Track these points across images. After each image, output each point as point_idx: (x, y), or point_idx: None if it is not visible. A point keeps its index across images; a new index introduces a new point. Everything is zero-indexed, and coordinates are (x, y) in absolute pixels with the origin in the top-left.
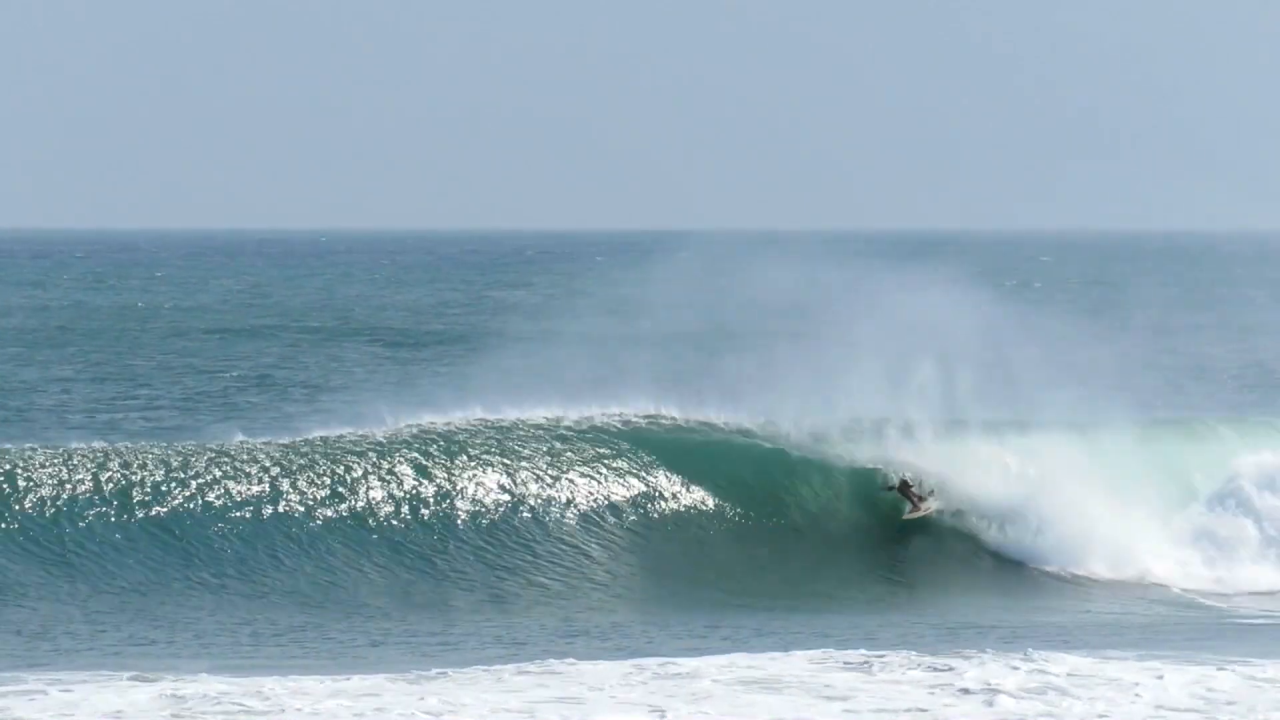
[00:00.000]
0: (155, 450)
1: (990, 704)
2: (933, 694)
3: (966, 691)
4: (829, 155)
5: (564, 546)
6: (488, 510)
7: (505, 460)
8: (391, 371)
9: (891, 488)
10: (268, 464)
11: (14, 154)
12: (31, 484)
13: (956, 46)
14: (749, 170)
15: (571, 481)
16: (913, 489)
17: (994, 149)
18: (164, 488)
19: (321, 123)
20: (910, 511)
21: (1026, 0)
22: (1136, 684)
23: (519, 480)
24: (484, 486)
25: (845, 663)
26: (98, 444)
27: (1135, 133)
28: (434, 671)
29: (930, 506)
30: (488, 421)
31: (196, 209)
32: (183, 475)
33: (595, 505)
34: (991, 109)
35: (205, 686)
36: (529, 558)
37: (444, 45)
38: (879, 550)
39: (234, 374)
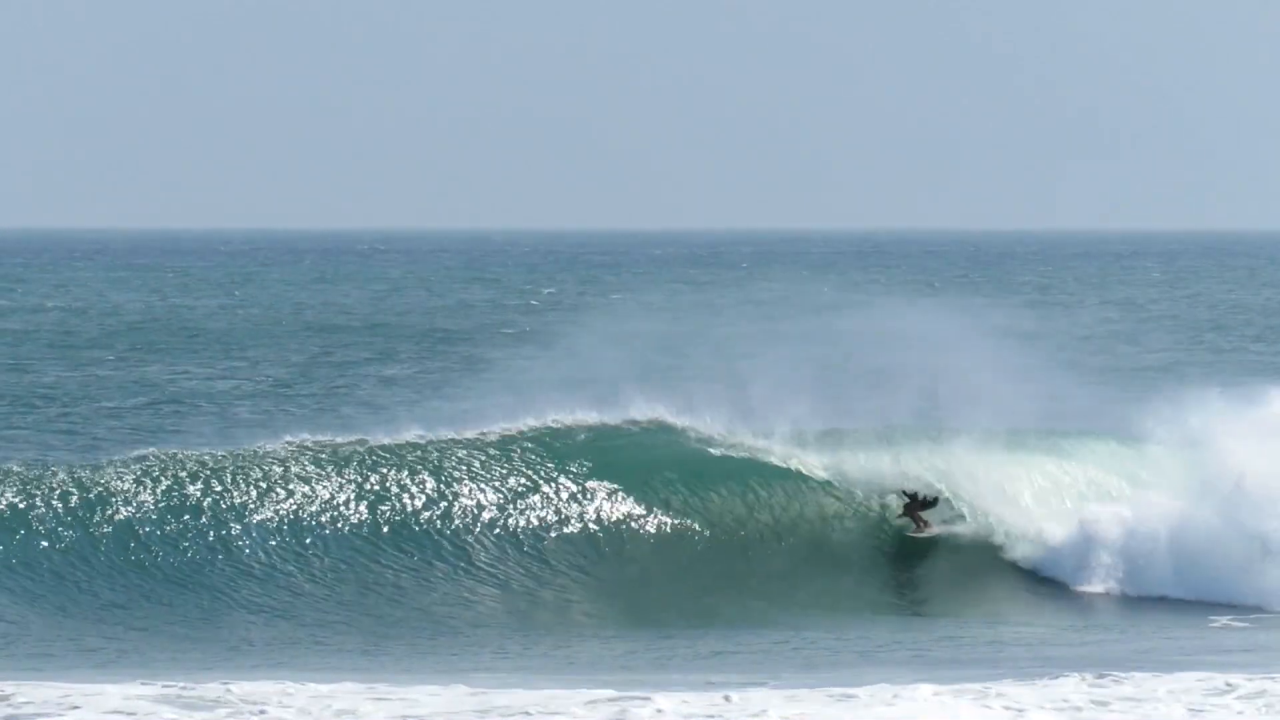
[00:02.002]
0: (204, 456)
1: None
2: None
3: (989, 710)
4: (829, 155)
5: (575, 560)
6: (531, 520)
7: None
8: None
9: (901, 513)
10: (308, 468)
11: (14, 154)
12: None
13: (956, 46)
14: (749, 170)
15: (579, 493)
16: (919, 509)
17: (994, 149)
18: (212, 493)
19: (321, 123)
20: (915, 531)
21: (1026, 0)
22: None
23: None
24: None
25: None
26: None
27: (1135, 133)
28: (460, 684)
29: (936, 527)
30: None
31: (197, 209)
32: (234, 480)
33: (602, 520)
34: (991, 109)
35: (213, 689)
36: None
37: (444, 45)
38: (899, 565)
39: (259, 377)
